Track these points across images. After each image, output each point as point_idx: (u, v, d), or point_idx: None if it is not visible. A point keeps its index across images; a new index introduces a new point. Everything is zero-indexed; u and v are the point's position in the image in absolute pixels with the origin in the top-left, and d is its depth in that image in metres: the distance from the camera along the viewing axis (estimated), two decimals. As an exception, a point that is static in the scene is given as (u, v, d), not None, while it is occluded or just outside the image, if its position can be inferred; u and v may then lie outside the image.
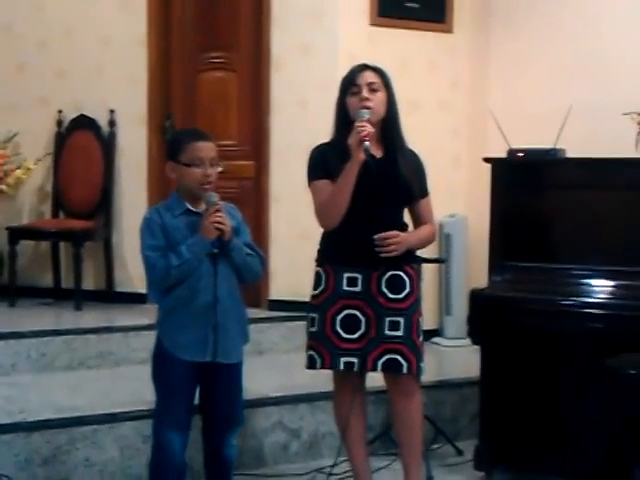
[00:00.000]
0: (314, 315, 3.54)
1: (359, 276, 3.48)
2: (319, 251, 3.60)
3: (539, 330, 3.97)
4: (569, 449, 4.04)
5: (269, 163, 5.47)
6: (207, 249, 3.29)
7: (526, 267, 4.10)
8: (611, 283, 3.94)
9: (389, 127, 3.51)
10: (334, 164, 3.43)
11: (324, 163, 3.48)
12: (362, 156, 3.33)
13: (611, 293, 3.92)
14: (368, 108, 3.40)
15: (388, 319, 3.46)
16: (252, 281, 3.51)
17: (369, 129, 3.33)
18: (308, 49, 5.35)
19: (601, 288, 3.95)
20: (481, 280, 4.31)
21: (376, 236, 3.40)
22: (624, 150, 4.21)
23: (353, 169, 3.35)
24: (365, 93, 3.43)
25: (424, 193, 3.61)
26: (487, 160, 4.31)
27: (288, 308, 5.24)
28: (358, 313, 3.48)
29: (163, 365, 3.38)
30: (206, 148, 3.36)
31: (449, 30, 5.60)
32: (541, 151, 4.27)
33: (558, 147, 4.29)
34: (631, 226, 4.00)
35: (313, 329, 3.54)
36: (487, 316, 4.05)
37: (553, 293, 3.96)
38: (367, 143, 3.32)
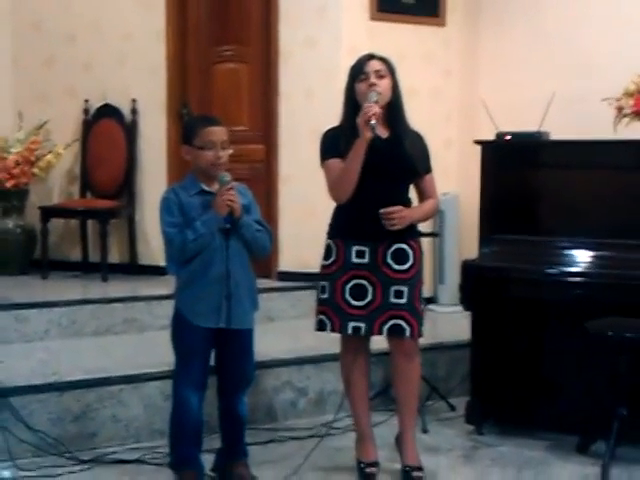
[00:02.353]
0: (325, 283, 3.53)
1: (366, 249, 3.47)
2: (330, 225, 3.58)
3: (525, 296, 3.98)
4: (552, 404, 4.06)
5: (278, 147, 5.45)
6: (220, 225, 3.28)
7: (513, 240, 4.09)
8: (591, 254, 3.94)
9: (394, 110, 3.49)
10: (344, 145, 3.41)
11: (335, 144, 3.46)
12: (369, 134, 3.31)
13: (591, 263, 3.92)
14: (376, 91, 3.38)
15: (393, 288, 3.46)
16: (261, 254, 3.50)
17: (376, 109, 3.32)
18: (313, 42, 5.31)
19: (582, 258, 3.95)
20: (472, 252, 4.30)
21: (382, 210, 3.38)
22: (602, 133, 4.18)
23: (362, 146, 3.34)
24: (373, 79, 3.42)
25: (427, 170, 3.60)
26: (477, 142, 4.31)
27: (296, 279, 5.25)
28: (366, 282, 3.47)
29: (181, 331, 3.39)
30: (218, 132, 3.34)
31: (442, 24, 5.57)
32: (527, 134, 4.26)
33: (542, 130, 4.27)
34: (609, 202, 4.00)
35: (324, 296, 3.53)
36: (477, 284, 4.06)
37: (538, 263, 3.97)
38: (373, 122, 3.30)
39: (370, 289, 3.46)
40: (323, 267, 3.55)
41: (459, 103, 5.61)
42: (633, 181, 3.96)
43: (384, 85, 3.43)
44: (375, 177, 3.39)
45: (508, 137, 4.25)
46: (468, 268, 4.10)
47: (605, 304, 3.78)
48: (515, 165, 4.23)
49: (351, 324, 3.48)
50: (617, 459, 3.64)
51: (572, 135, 4.14)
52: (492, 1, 5.55)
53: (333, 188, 3.46)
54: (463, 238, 5.38)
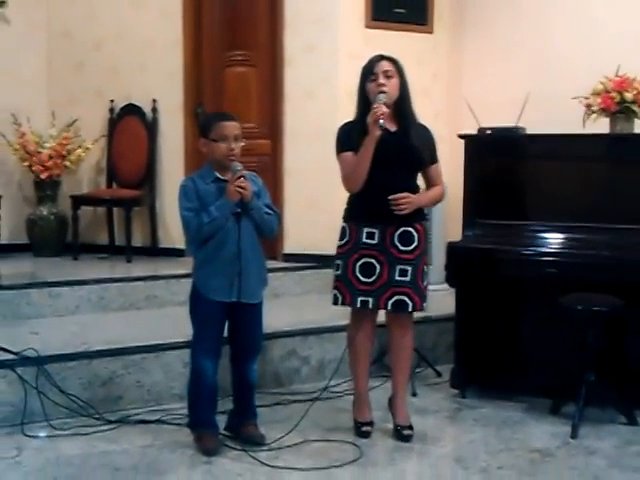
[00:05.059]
0: (339, 262, 3.52)
1: (376, 231, 3.45)
2: (345, 210, 3.57)
3: (504, 275, 3.98)
4: (528, 371, 4.06)
5: (283, 142, 5.42)
6: (232, 209, 3.28)
7: (493, 224, 4.09)
8: (563, 236, 3.94)
9: (402, 106, 3.47)
10: (356, 138, 3.40)
11: (348, 138, 3.45)
12: (378, 132, 3.31)
13: (563, 244, 3.92)
14: (384, 92, 3.37)
15: (398, 267, 3.44)
16: (270, 234, 3.48)
17: (384, 109, 3.31)
18: (314, 48, 5.27)
19: (555, 240, 3.95)
20: (456, 235, 4.28)
21: (390, 197, 3.38)
22: (573, 128, 4.16)
23: (371, 143, 3.33)
24: (381, 79, 3.40)
25: (434, 160, 3.57)
26: (461, 137, 4.29)
27: (299, 260, 5.24)
28: (374, 261, 3.45)
29: (198, 305, 3.39)
30: (231, 127, 3.33)
31: (431, 31, 5.53)
32: (505, 129, 4.26)
33: (519, 125, 4.27)
34: (579, 189, 3.99)
35: (338, 272, 3.52)
36: (461, 264, 4.05)
37: (515, 245, 3.96)
38: (382, 121, 3.30)
39: (378, 267, 3.45)
40: (338, 247, 3.54)
41: (446, 102, 5.57)
42: (599, 171, 3.97)
43: (392, 84, 3.41)
44: (385, 166, 3.37)
45: (488, 132, 4.25)
46: (453, 249, 4.10)
47: (575, 281, 3.77)
48: (495, 157, 4.21)
49: (360, 298, 3.47)
50: (585, 419, 3.66)
51: (545, 130, 4.12)
52: (475, 11, 5.53)
53: (346, 180, 3.45)
54: (449, 222, 5.34)
